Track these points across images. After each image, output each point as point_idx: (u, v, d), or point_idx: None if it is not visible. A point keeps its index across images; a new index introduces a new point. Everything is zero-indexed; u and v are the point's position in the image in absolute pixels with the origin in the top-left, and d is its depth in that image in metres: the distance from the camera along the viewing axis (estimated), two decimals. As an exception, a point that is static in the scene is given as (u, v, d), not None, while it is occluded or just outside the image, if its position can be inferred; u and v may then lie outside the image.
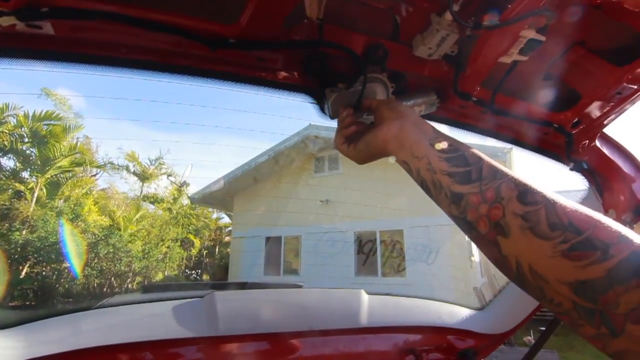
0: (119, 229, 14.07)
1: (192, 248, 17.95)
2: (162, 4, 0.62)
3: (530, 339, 7.42)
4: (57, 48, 0.64)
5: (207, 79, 0.75)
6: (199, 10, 0.64)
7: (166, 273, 16.80)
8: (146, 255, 14.61)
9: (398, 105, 0.69)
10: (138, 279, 16.05)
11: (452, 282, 8.73)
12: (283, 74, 0.76)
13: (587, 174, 1.08)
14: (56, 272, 12.02)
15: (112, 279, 14.85)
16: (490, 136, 1.01)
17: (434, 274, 8.92)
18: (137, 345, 1.02)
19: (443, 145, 0.56)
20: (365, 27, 0.74)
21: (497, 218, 0.43)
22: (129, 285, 15.43)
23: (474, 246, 9.93)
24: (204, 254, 19.18)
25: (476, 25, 0.64)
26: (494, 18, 0.64)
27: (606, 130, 1.00)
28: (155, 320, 1.07)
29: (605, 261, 0.34)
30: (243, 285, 2.27)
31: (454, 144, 0.56)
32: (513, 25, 0.66)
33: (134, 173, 17.25)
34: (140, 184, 17.53)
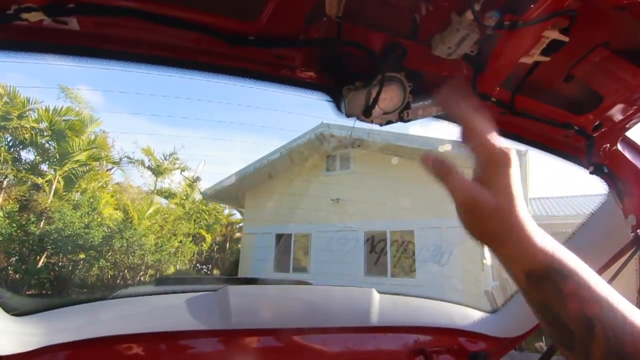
0: (133, 223, 14.34)
1: (203, 243, 18.17)
2: (184, 1, 0.63)
3: (542, 345, 7.29)
4: (82, 43, 0.66)
5: (226, 75, 0.76)
6: (220, 8, 0.65)
7: (178, 267, 17.05)
8: (159, 249, 14.85)
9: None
10: (150, 271, 16.32)
11: (462, 284, 8.64)
12: (300, 71, 0.77)
13: (608, 178, 1.05)
14: (72, 263, 12.33)
15: (126, 271, 15.15)
16: (508, 138, 1.00)
17: (444, 276, 8.84)
18: (150, 336, 1.04)
19: None
20: (384, 26, 0.74)
21: None
22: (142, 278, 15.70)
23: (486, 249, 9.78)
24: (215, 249, 19.41)
25: (498, 25, 0.63)
26: (516, 18, 0.63)
27: (628, 133, 0.97)
28: (169, 312, 1.09)
29: None
30: (255, 281, 2.29)
31: None
32: (535, 26, 0.65)
33: (149, 167, 17.54)
34: (155, 178, 17.83)
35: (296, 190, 10.89)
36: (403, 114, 0.82)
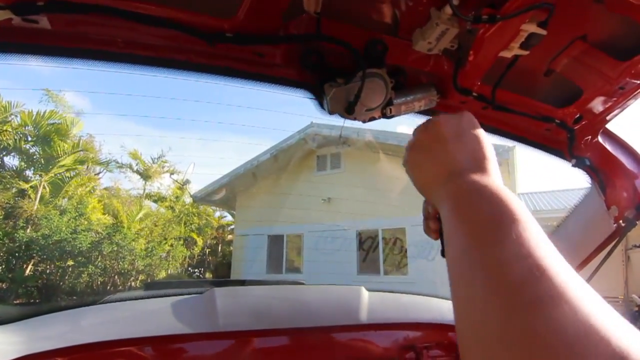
0: (123, 227, 14.13)
1: (194, 246, 18.00)
2: None
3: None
4: (54, 42, 0.64)
5: (205, 74, 0.75)
6: (196, 4, 0.64)
7: (169, 271, 16.87)
8: (149, 254, 14.67)
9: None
10: (141, 277, 16.11)
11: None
12: (281, 69, 0.76)
13: (590, 170, 1.07)
14: (60, 270, 12.09)
15: (116, 277, 14.92)
16: (492, 132, 1.00)
17: (436, 272, 8.90)
18: (137, 341, 1.02)
19: None
20: (364, 22, 0.73)
21: None
22: (132, 284, 15.50)
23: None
24: (207, 252, 19.23)
25: (476, 19, 0.64)
26: (494, 12, 0.64)
27: (609, 126, 0.99)
28: (155, 316, 1.08)
29: None
30: (243, 282, 2.27)
31: None
32: (513, 19, 0.65)
33: (137, 171, 17.31)
34: (143, 182, 17.61)
35: (287, 191, 10.87)
36: (386, 110, 0.82)
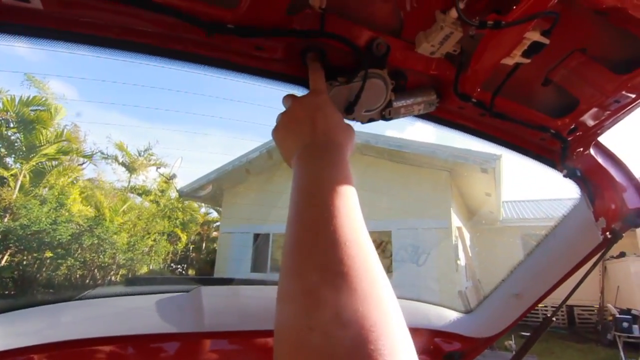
0: (105, 220, 13.82)
1: (178, 242, 17.74)
2: None
3: (511, 343, 7.53)
4: (45, 24, 0.60)
5: (202, 65, 0.72)
6: None
7: (151, 267, 16.59)
8: (131, 248, 14.39)
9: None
10: (122, 271, 15.80)
11: (438, 285, 8.81)
12: (281, 64, 0.74)
13: (580, 181, 1.08)
14: (38, 262, 11.76)
15: (96, 270, 14.60)
16: (486, 139, 1.01)
17: (421, 276, 8.99)
18: (119, 339, 0.99)
19: None
20: (368, 21, 0.72)
21: None
22: (112, 278, 15.19)
23: (460, 249, 10.04)
24: (191, 248, 18.98)
25: (481, 24, 0.63)
26: (500, 18, 0.63)
27: (601, 138, 1.00)
28: (138, 314, 1.04)
29: None
30: (229, 281, 2.23)
31: None
32: (518, 27, 0.65)
33: (122, 163, 16.97)
34: (128, 174, 17.27)
35: (275, 189, 10.79)
36: (385, 112, 0.81)
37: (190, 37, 0.66)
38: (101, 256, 13.73)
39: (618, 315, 8.78)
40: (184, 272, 18.70)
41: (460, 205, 11.53)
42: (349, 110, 0.76)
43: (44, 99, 12.08)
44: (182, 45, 0.67)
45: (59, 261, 12.27)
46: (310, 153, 0.54)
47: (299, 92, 0.80)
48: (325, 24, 0.66)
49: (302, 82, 0.78)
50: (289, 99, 0.68)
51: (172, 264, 18.44)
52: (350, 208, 0.43)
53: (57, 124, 12.67)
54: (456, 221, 10.00)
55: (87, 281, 14.40)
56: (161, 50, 0.67)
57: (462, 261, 10.07)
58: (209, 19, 0.61)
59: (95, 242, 13.20)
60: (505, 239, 14.73)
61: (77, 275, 14.10)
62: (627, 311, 9.04)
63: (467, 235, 11.96)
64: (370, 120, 0.82)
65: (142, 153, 17.39)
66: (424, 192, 9.62)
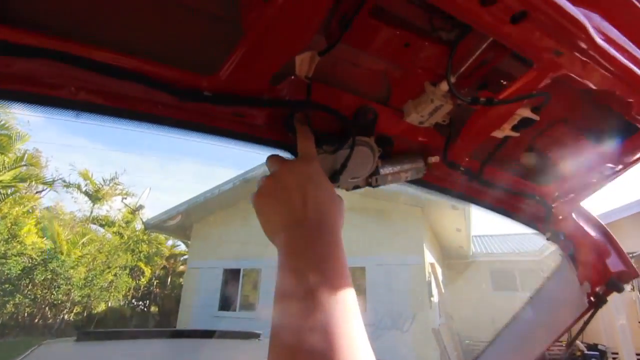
0: (62, 253, 12.87)
1: (141, 277, 16.71)
2: (124, 45, 0.53)
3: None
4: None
5: (172, 128, 0.65)
6: (171, 57, 0.55)
7: (110, 304, 15.44)
8: (89, 283, 13.40)
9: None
10: (77, 309, 14.62)
11: (412, 323, 8.66)
12: (262, 130, 0.69)
13: (564, 244, 1.07)
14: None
15: (47, 308, 13.41)
16: (472, 202, 0.98)
17: (395, 314, 8.82)
18: None
19: None
20: (355, 88, 0.69)
21: None
22: (65, 317, 13.98)
23: (433, 286, 10.02)
24: (155, 283, 17.88)
25: (473, 100, 0.61)
26: (492, 95, 0.61)
27: (582, 203, 1.00)
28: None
29: None
30: (194, 333, 2.05)
31: None
32: (509, 104, 0.63)
33: (85, 192, 16.11)
34: (91, 204, 16.37)
35: (248, 223, 10.48)
36: (371, 180, 0.76)
37: (159, 100, 0.59)
38: (54, 292, 12.68)
39: (586, 352, 8.91)
40: (145, 309, 17.51)
41: (432, 241, 11.65)
42: (334, 178, 0.70)
43: (2, 122, 11.41)
44: (149, 107, 0.60)
45: (6, 298, 11.19)
46: (302, 234, 0.47)
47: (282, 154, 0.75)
48: (311, 91, 0.62)
49: (283, 147, 0.73)
50: (275, 162, 0.58)
51: (133, 301, 17.25)
52: (346, 301, 0.40)
53: (17, 149, 11.96)
54: (429, 257, 10.05)
55: (37, 320, 13.16)
56: (126, 112, 0.60)
57: (435, 297, 10.03)
58: (183, 85, 0.55)
59: (49, 277, 12.24)
60: (475, 273, 14.96)
61: (25, 314, 12.87)
62: (594, 346, 9.20)
63: (439, 271, 12.02)
64: (356, 187, 0.77)
65: (108, 182, 16.65)
66: (398, 228, 9.68)
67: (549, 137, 0.83)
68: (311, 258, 0.44)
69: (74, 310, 14.47)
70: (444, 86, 0.63)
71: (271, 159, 0.60)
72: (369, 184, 0.77)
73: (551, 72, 0.55)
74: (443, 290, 10.54)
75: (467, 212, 9.78)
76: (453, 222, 10.77)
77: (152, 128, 0.64)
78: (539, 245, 12.86)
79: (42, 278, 11.87)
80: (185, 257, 17.19)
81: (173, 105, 0.61)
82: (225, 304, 11.01)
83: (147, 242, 16.90)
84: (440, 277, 11.26)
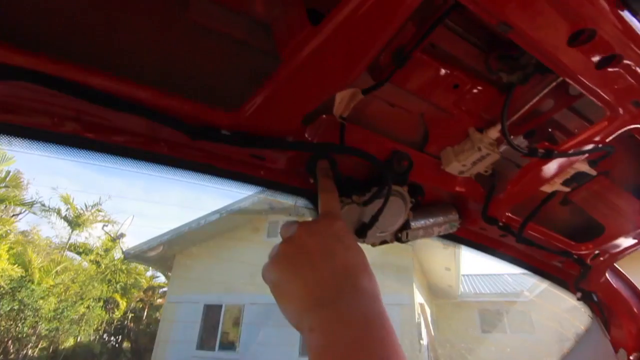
0: (32, 282, 12.10)
1: (116, 309, 15.76)
2: (123, 68, 0.44)
3: None
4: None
5: (174, 169, 0.55)
6: (181, 86, 0.46)
7: (79, 338, 14.40)
8: (58, 316, 12.53)
9: None
10: (43, 343, 13.56)
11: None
12: (283, 174, 0.59)
13: (595, 306, 0.98)
14: None
15: (10, 342, 12.41)
16: (500, 258, 0.89)
17: None
18: None
19: None
20: (389, 131, 0.60)
21: None
22: (29, 352, 12.93)
23: (423, 328, 9.68)
24: (130, 317, 16.86)
25: (532, 152, 0.53)
26: (553, 147, 0.54)
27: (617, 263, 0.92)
28: None
29: None
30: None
31: None
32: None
33: (65, 218, 15.47)
34: (70, 230, 15.67)
35: (233, 256, 10.13)
36: (401, 235, 0.67)
37: (167, 138, 0.49)
38: (20, 325, 11.79)
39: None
40: (117, 345, 16.39)
41: (421, 280, 11.42)
42: (362, 233, 0.61)
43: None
44: (154, 146, 0.50)
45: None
46: (338, 315, 0.37)
47: (299, 204, 0.65)
48: (345, 134, 0.53)
49: (302, 194, 0.63)
50: (291, 226, 0.46)
51: (104, 336, 16.15)
52: None
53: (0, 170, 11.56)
54: (418, 296, 9.79)
55: (-3, 356, 12.12)
56: (129, 151, 0.50)
57: (424, 340, 9.67)
58: (196, 121, 0.45)
59: (16, 307, 11.42)
60: (463, 313, 14.60)
61: (-16, 348, 11.87)
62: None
63: (428, 311, 11.69)
64: (383, 242, 0.67)
65: (90, 208, 16.07)
66: (388, 267, 9.47)
67: (587, 190, 0.76)
68: (359, 344, 0.35)
69: (39, 345, 13.42)
70: (493, 133, 0.56)
71: (287, 225, 0.48)
72: (399, 240, 0.67)
73: (626, 124, 0.48)
74: (432, 332, 10.20)
75: (457, 252, 9.67)
76: (443, 261, 10.63)
77: (149, 169, 0.54)
78: (527, 286, 12.72)
79: (9, 309, 11.06)
80: (164, 289, 16.40)
81: (180, 144, 0.51)
82: (205, 343, 10.37)
83: (125, 272, 16.10)
84: (429, 318, 10.93)
